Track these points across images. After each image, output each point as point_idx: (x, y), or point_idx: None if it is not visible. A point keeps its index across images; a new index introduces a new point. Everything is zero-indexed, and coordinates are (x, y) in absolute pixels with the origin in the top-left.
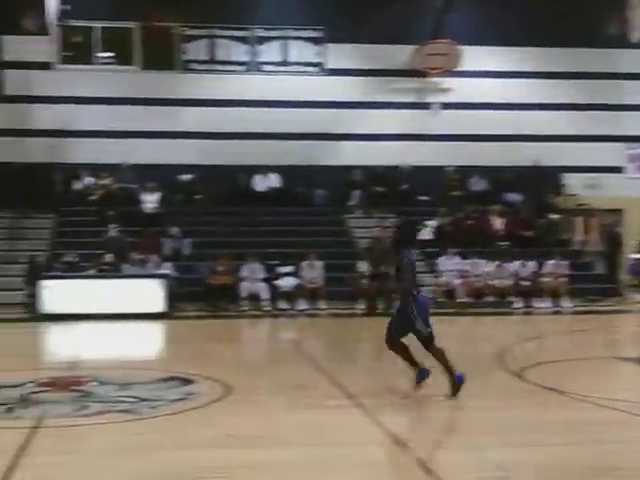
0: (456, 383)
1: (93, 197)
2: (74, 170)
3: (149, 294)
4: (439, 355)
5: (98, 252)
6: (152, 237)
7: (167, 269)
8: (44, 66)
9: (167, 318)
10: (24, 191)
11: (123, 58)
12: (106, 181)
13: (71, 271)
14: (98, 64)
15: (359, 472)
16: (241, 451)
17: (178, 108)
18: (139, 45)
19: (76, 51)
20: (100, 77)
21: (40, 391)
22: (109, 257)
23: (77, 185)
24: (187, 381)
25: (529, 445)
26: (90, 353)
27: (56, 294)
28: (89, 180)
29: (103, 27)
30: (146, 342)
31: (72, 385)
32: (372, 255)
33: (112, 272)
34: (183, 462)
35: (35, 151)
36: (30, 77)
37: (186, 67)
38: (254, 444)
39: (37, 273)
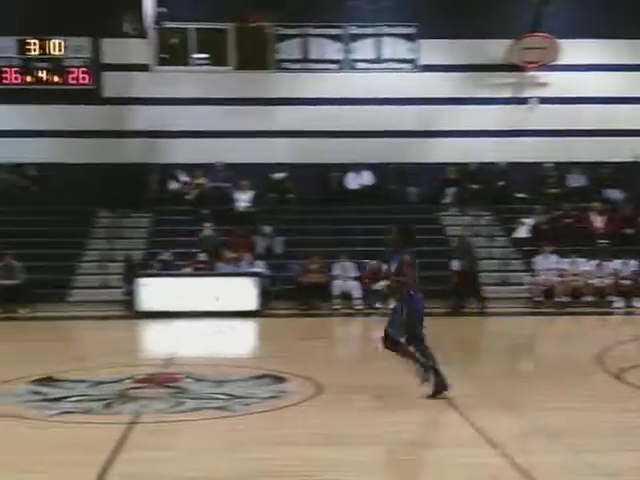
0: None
1: (188, 196)
2: (170, 170)
3: (242, 292)
4: (410, 357)
5: (193, 251)
6: (245, 236)
7: (260, 267)
8: (142, 68)
9: (259, 316)
10: (122, 191)
11: (218, 59)
12: (200, 180)
13: (167, 269)
14: (193, 65)
15: (454, 473)
16: (332, 449)
17: (271, 107)
18: (233, 45)
19: (172, 53)
20: (195, 78)
21: (137, 387)
22: (203, 256)
23: (172, 185)
24: (279, 379)
25: (628, 449)
26: (185, 350)
27: (152, 292)
28: (184, 180)
29: (198, 28)
30: (239, 340)
31: (168, 382)
32: (458, 254)
33: (206, 270)
34: (274, 459)
35: (132, 152)
36: (128, 79)
37: (279, 66)
38: (345, 443)
39: (134, 271)
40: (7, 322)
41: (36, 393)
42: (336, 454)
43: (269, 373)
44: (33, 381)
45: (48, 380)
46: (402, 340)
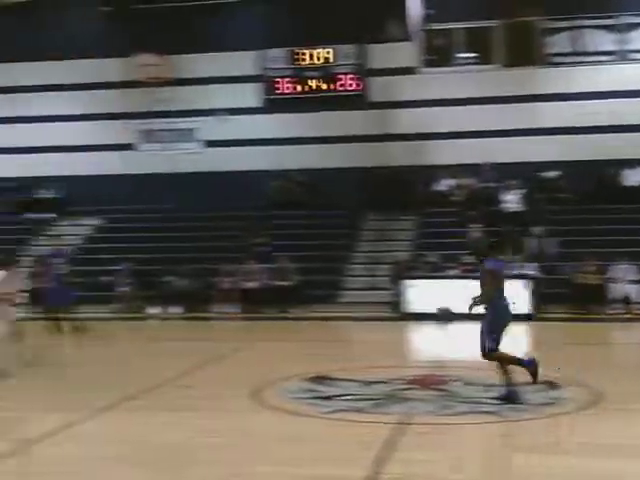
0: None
1: (455, 198)
2: (435, 172)
3: (513, 295)
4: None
5: (459, 252)
6: (515, 237)
7: (531, 270)
8: (407, 71)
9: (532, 320)
10: (389, 194)
11: (484, 57)
12: (467, 181)
13: (433, 271)
14: (460, 65)
15: None
16: (607, 460)
17: (540, 104)
18: (501, 43)
19: (438, 54)
20: (461, 78)
21: (406, 388)
22: (469, 257)
23: (438, 187)
24: (554, 385)
25: None
26: (453, 353)
27: (419, 294)
28: (450, 181)
29: (464, 28)
30: (510, 344)
31: (437, 384)
32: None
33: (474, 273)
34: (542, 467)
35: (399, 155)
36: (394, 83)
37: (549, 61)
38: (623, 454)
39: (401, 273)
40: (281, 322)
41: (309, 390)
42: (614, 465)
43: (543, 379)
44: (307, 379)
45: (321, 378)
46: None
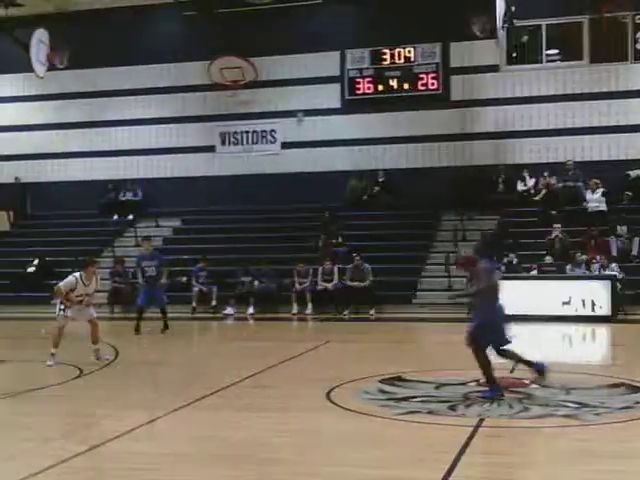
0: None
1: (536, 197)
2: (517, 170)
3: (594, 296)
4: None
5: (539, 253)
6: (598, 237)
7: (614, 270)
8: (490, 69)
9: (613, 322)
10: (468, 194)
11: (570, 53)
12: (549, 180)
13: (512, 272)
14: (544, 62)
15: None
16: None
17: (627, 100)
18: (587, 38)
19: (522, 51)
20: (545, 75)
21: (482, 391)
22: (550, 258)
23: (520, 186)
24: (635, 389)
25: None
26: (530, 355)
27: None
28: (532, 180)
29: (550, 24)
30: (590, 346)
31: (513, 386)
32: None
33: (554, 273)
34: (620, 473)
35: (479, 154)
36: (475, 81)
37: (638, 57)
38: None
39: None
40: (357, 322)
41: (383, 392)
42: None
43: (624, 382)
44: (381, 380)
45: (395, 380)
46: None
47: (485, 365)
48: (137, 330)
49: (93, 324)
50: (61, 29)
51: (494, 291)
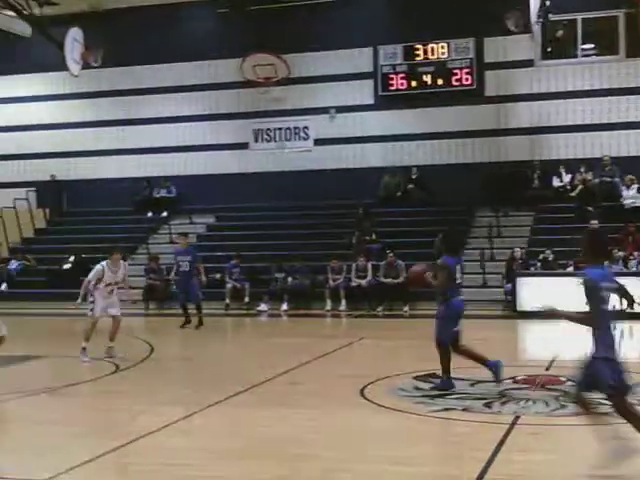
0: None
1: (573, 193)
2: (553, 166)
3: (631, 293)
4: (466, 353)
5: (574, 249)
6: (635, 233)
7: None
8: (524, 64)
9: None
10: (503, 190)
11: (606, 48)
12: (586, 176)
13: (548, 268)
14: (579, 57)
15: None
16: None
17: None
18: (624, 33)
19: (557, 45)
20: (580, 70)
21: (518, 388)
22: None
23: (556, 182)
24: None
25: None
26: (567, 352)
27: (533, 291)
28: (568, 176)
29: (585, 18)
30: (629, 343)
31: (549, 384)
32: None
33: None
34: None
35: (513, 150)
36: (509, 76)
37: None
38: None
39: (515, 271)
40: (391, 319)
41: (417, 389)
42: None
43: None
44: (415, 377)
45: (429, 376)
46: None
47: (444, 358)
48: (186, 323)
49: (116, 320)
50: (95, 28)
51: (453, 286)
